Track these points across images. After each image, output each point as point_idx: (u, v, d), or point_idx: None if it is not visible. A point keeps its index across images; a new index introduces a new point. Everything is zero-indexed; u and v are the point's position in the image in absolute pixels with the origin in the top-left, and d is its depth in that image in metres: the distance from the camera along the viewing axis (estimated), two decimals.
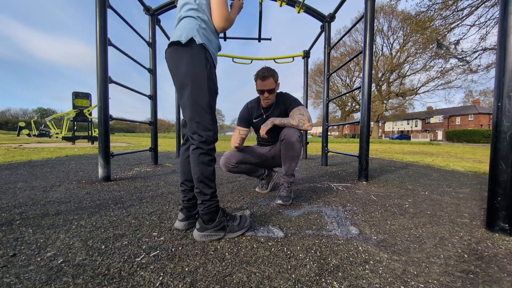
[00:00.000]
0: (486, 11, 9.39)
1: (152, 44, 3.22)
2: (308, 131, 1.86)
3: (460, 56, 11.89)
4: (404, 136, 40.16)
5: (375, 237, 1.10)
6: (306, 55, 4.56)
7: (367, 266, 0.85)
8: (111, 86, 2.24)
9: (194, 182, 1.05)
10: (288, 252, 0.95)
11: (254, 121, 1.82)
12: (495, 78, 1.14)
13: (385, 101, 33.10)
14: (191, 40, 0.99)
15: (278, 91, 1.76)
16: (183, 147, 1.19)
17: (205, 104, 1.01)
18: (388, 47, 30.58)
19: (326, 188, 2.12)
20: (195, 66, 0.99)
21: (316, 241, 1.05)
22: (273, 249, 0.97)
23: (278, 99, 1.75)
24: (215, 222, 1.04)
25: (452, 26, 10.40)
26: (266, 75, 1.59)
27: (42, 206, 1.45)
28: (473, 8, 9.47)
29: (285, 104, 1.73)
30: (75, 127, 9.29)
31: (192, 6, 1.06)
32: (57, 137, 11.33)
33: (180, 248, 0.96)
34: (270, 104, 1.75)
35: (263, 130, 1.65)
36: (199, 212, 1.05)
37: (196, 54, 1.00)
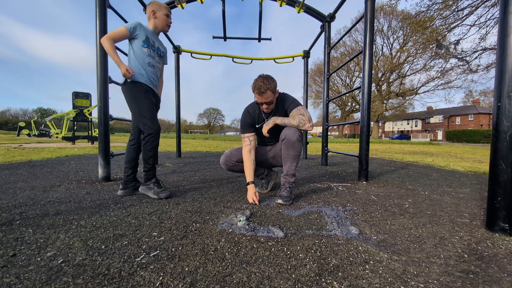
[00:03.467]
0: (486, 11, 9.39)
1: None
2: (308, 131, 1.84)
3: (460, 56, 11.89)
4: (404, 136, 40.19)
5: (375, 237, 1.10)
6: (306, 55, 4.56)
7: (367, 266, 0.86)
8: (111, 86, 2.24)
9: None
10: (288, 252, 0.95)
11: (257, 126, 1.82)
12: (495, 78, 1.14)
13: (385, 101, 33.04)
14: None
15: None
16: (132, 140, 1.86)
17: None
18: (388, 47, 30.55)
19: (326, 188, 2.12)
20: None
21: (316, 241, 1.05)
22: (273, 249, 0.97)
23: (277, 101, 1.75)
24: (148, 182, 1.74)
25: (452, 26, 10.40)
26: (263, 89, 1.56)
27: (42, 206, 1.45)
28: (473, 8, 9.46)
29: (284, 105, 1.73)
30: (75, 127, 9.28)
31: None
32: (57, 137, 11.32)
33: (180, 248, 0.96)
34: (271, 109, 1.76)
35: (265, 128, 1.65)
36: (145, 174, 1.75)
37: None
